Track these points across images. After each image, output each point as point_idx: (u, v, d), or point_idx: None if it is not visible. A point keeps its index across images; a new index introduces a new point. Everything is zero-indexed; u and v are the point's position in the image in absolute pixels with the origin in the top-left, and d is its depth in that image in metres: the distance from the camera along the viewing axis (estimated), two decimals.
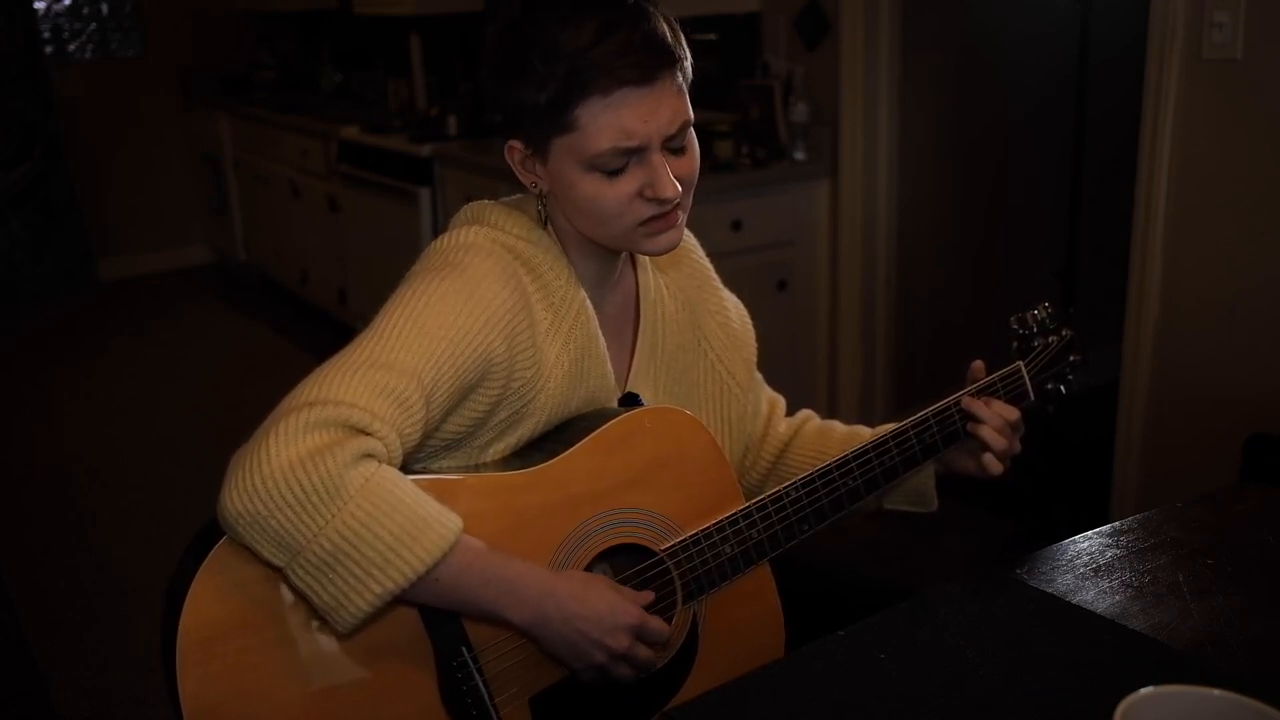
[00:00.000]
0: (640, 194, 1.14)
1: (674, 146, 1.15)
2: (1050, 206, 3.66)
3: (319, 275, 4.98)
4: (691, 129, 1.18)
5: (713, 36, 3.53)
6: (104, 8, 5.86)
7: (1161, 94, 2.40)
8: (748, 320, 1.44)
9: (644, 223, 1.16)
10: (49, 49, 5.72)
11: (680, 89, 1.14)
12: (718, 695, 1.03)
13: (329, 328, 4.89)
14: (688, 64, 1.16)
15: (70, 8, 5.79)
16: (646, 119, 1.11)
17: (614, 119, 1.10)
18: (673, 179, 1.14)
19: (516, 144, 1.19)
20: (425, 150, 3.86)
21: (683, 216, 1.20)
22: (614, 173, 1.13)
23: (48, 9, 5.73)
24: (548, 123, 1.13)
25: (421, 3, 4.30)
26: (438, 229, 3.89)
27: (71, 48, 5.82)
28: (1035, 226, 3.72)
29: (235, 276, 6.03)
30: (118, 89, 5.93)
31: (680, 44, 1.15)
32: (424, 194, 3.90)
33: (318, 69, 5.94)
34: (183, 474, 3.59)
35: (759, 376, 1.46)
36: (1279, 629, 1.10)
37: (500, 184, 3.30)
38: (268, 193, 5.34)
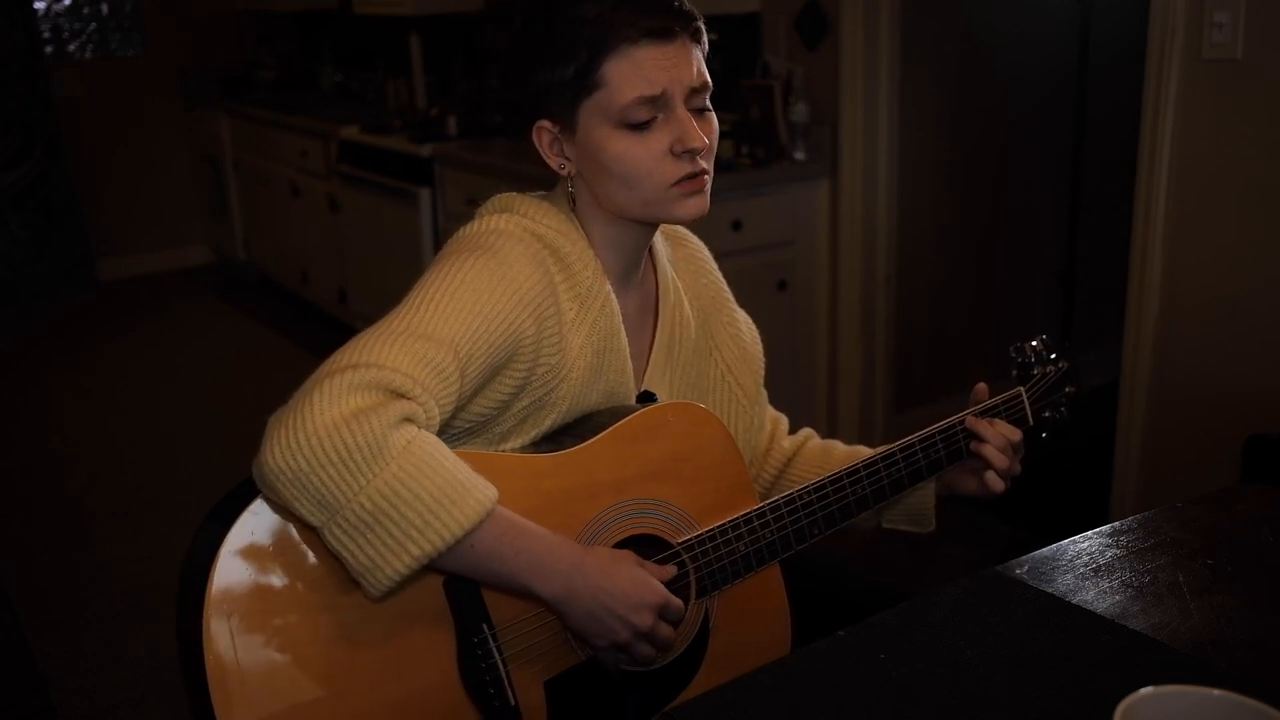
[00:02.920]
0: (670, 151, 1.18)
1: (697, 106, 1.20)
2: (1050, 206, 3.67)
3: (319, 275, 4.98)
4: (710, 99, 1.22)
5: (713, 36, 3.50)
6: (104, 8, 5.86)
7: (1161, 94, 2.40)
8: (757, 337, 1.47)
9: (676, 184, 1.19)
10: (49, 49, 5.72)
11: (700, 54, 1.20)
12: (718, 695, 1.03)
13: (329, 328, 4.89)
14: (705, 35, 1.21)
15: (70, 8, 5.79)
16: (668, 69, 1.16)
17: (637, 70, 1.15)
18: (699, 131, 1.18)
19: (545, 123, 1.22)
20: (425, 150, 3.86)
21: (709, 183, 1.23)
22: (642, 127, 1.17)
23: (48, 9, 5.73)
24: (576, 88, 1.17)
25: (421, 2, 4.30)
26: (438, 229, 3.89)
27: (71, 48, 5.82)
28: (1035, 226, 3.72)
29: (235, 276, 6.03)
30: (118, 89, 5.93)
31: (697, 15, 1.20)
32: (424, 194, 3.90)
33: (318, 69, 5.94)
34: (183, 474, 3.59)
35: (764, 394, 1.48)
36: (1279, 629, 1.10)
37: (501, 184, 3.30)
38: (268, 193, 5.34)
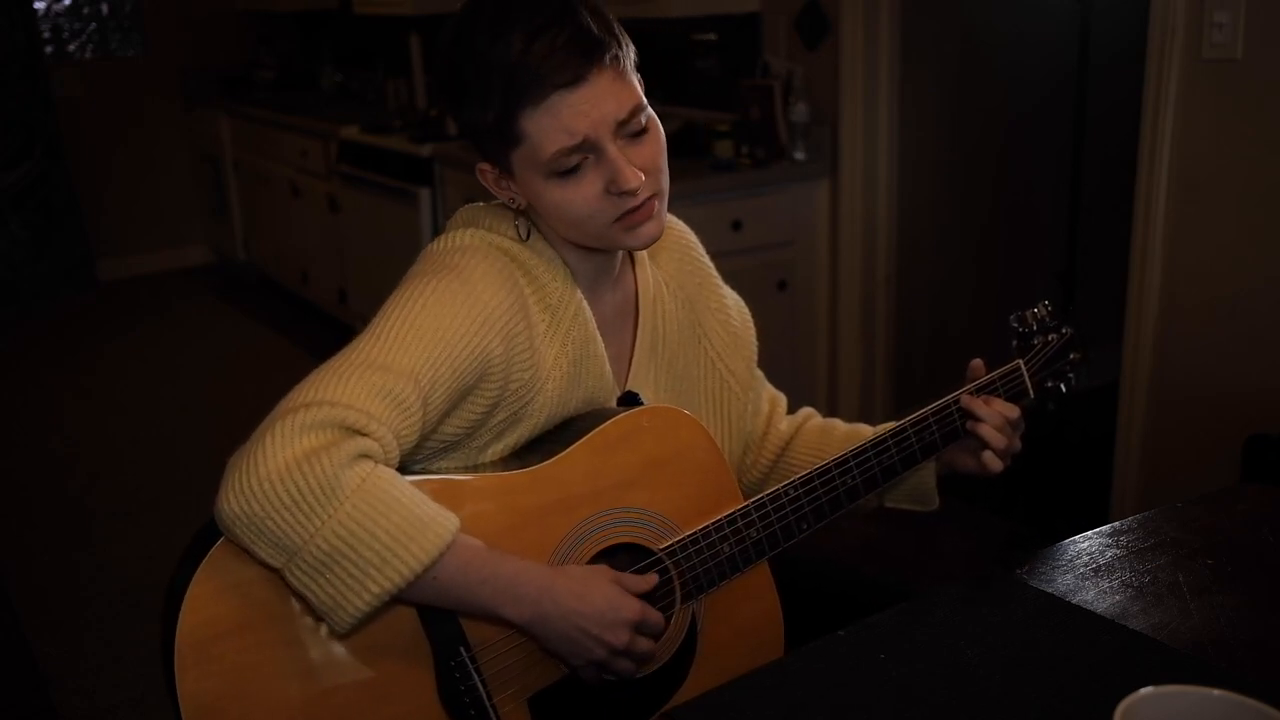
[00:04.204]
0: (606, 191, 1.14)
1: (630, 132, 1.14)
2: (1050, 206, 3.67)
3: (319, 275, 4.98)
4: (649, 112, 1.16)
5: (713, 36, 3.53)
6: (104, 8, 5.86)
7: (1161, 94, 2.40)
8: (748, 318, 1.43)
9: (619, 219, 1.16)
10: (49, 49, 5.72)
11: (619, 75, 1.13)
12: (717, 695, 1.03)
13: (329, 328, 4.89)
14: (624, 50, 1.15)
15: (70, 8, 5.79)
16: (587, 114, 1.10)
17: (555, 121, 1.10)
18: (633, 170, 1.13)
19: (485, 166, 1.21)
20: (425, 150, 3.86)
21: (660, 204, 1.18)
22: (573, 174, 1.13)
23: (48, 9, 5.73)
24: (500, 139, 1.14)
25: (421, 2, 4.30)
26: (438, 229, 3.88)
27: (71, 48, 5.82)
28: (1035, 226, 3.72)
29: (235, 276, 6.03)
30: (118, 89, 5.93)
31: (611, 32, 1.13)
32: (424, 194, 3.90)
33: (318, 69, 5.94)
34: (183, 474, 3.59)
35: (760, 374, 1.45)
36: (1279, 629, 1.10)
37: None
38: (268, 193, 5.34)
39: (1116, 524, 1.32)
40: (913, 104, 3.27)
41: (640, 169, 1.14)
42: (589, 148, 1.12)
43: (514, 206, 1.22)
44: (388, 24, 5.05)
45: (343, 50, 5.80)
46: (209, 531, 1.05)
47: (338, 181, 4.55)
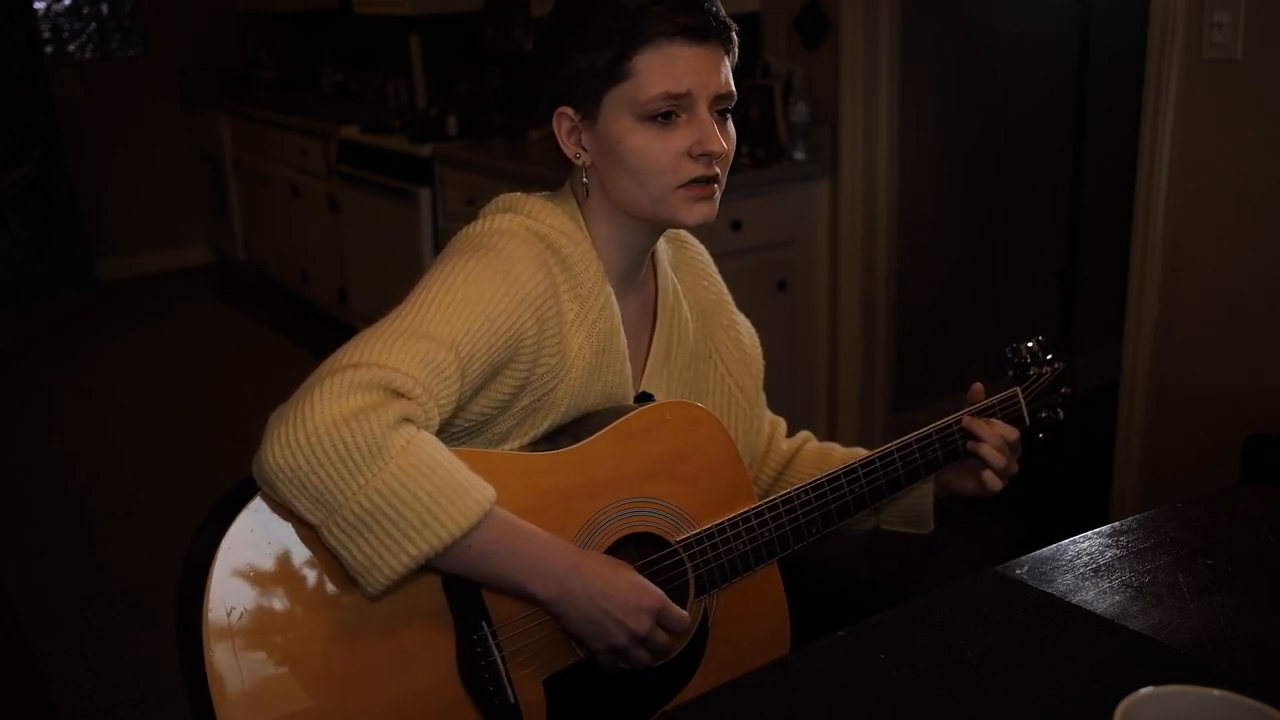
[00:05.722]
0: (688, 152, 1.18)
1: (721, 110, 1.21)
2: (1050, 206, 3.67)
3: (319, 275, 4.98)
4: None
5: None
6: (104, 8, 5.86)
7: (1161, 94, 2.40)
8: (757, 343, 1.47)
9: (685, 185, 1.19)
10: (49, 49, 5.72)
11: (728, 65, 1.21)
12: (718, 695, 1.03)
13: (329, 328, 4.89)
14: (736, 50, 1.23)
15: (70, 8, 5.79)
16: (698, 71, 1.17)
17: (668, 66, 1.16)
18: (719, 136, 1.19)
19: (567, 110, 1.22)
20: (425, 150, 3.86)
21: (719, 192, 1.24)
22: (665, 123, 1.18)
23: (48, 9, 5.73)
24: (605, 77, 1.18)
25: (421, 2, 4.30)
26: (438, 229, 3.89)
27: (71, 48, 5.82)
28: (1035, 226, 3.72)
29: (235, 276, 6.03)
30: (118, 89, 5.93)
31: (734, 28, 1.22)
32: (424, 194, 3.90)
33: (318, 69, 5.94)
34: (183, 474, 3.59)
35: (763, 397, 1.48)
36: (1279, 629, 1.10)
37: (501, 184, 3.30)
38: (268, 193, 5.34)
39: (1116, 524, 1.32)
40: (913, 104, 3.27)
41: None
42: (687, 104, 1.18)
43: (577, 161, 1.24)
44: (388, 24, 5.05)
45: (343, 50, 5.80)
46: (226, 504, 1.06)
47: (338, 181, 4.55)
